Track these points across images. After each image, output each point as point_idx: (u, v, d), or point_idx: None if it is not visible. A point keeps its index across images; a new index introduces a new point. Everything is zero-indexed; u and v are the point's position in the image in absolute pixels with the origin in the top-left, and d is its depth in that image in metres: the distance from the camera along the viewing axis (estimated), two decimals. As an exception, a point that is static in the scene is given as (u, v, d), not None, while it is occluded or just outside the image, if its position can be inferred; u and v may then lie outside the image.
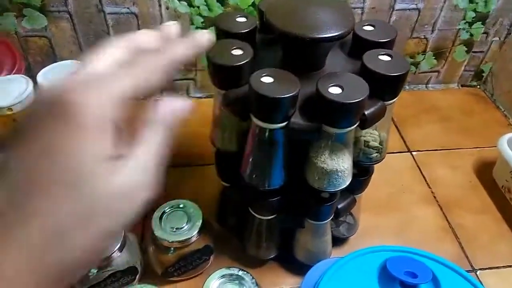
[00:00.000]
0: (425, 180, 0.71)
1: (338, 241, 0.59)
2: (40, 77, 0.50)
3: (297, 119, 0.39)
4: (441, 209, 0.66)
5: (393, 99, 0.42)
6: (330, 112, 0.38)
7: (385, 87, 0.40)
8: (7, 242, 0.19)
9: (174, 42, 0.29)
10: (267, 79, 0.38)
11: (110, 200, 0.22)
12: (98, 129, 0.22)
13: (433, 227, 0.64)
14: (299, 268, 0.56)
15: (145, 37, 0.29)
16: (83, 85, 0.22)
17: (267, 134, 0.40)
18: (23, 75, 0.51)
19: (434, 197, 0.68)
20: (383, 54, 0.41)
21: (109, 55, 0.25)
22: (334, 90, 0.37)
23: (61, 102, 0.21)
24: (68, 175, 0.21)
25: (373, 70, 0.39)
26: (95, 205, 0.21)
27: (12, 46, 0.64)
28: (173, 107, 0.27)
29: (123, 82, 0.24)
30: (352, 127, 0.40)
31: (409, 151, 0.76)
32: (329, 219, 0.50)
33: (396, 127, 0.80)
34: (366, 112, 0.40)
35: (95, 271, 0.48)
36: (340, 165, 0.43)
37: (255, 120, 0.39)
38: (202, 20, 0.74)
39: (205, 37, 0.31)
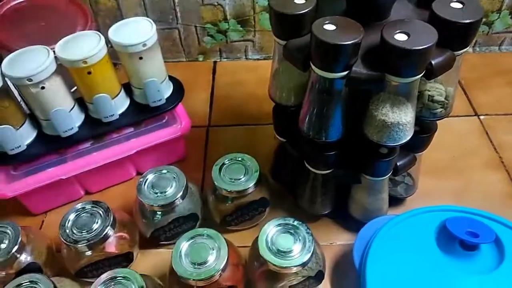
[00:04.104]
0: (492, 145, 0.67)
1: (395, 201, 0.58)
2: (111, 32, 0.53)
3: (359, 68, 0.39)
4: (508, 174, 0.63)
5: (463, 49, 0.40)
6: (394, 60, 0.37)
7: (455, 35, 0.38)
8: None
9: None
10: (330, 27, 0.37)
11: None
12: None
13: (498, 192, 0.61)
14: (353, 225, 0.56)
15: None
16: None
17: (327, 84, 0.40)
18: (95, 31, 0.54)
19: (502, 162, 0.64)
20: (454, 1, 0.39)
21: None
22: (400, 37, 0.36)
23: None
24: None
25: (443, 17, 0.38)
26: None
27: (84, 7, 0.68)
28: None
29: None
30: (417, 77, 0.38)
31: (476, 115, 0.72)
32: (387, 176, 0.50)
33: (463, 90, 0.76)
34: (433, 62, 0.38)
35: (160, 216, 0.52)
36: (402, 118, 0.42)
37: (315, 70, 0.39)
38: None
39: None
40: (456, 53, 0.40)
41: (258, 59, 0.86)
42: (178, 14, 0.78)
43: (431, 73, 0.39)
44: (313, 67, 0.39)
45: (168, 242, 0.55)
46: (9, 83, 0.52)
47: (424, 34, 0.37)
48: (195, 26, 0.81)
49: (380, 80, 0.39)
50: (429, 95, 0.46)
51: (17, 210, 0.59)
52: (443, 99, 0.46)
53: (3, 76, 0.50)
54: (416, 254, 0.47)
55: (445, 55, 0.39)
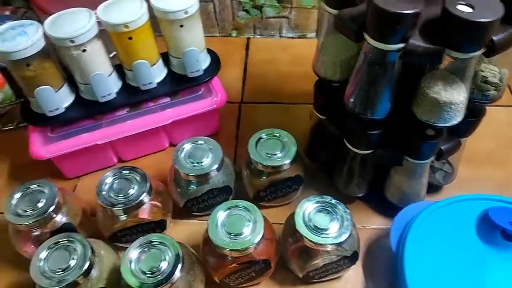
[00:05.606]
0: (536, 137, 0.64)
1: (432, 188, 0.56)
2: (153, -2, 0.53)
3: (416, 41, 0.37)
4: (552, 168, 0.60)
5: (528, 26, 0.38)
6: (456, 33, 0.35)
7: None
8: None
9: None
10: (388, -5, 0.36)
11: None
12: None
13: (541, 186, 0.59)
14: (387, 210, 0.55)
15: None
16: None
17: (380, 57, 0.39)
18: (137, -3, 0.53)
19: (546, 155, 0.62)
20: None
21: None
22: (464, 9, 0.34)
23: None
24: None
25: (510, -11, 0.35)
26: None
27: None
28: None
29: None
30: (477, 53, 0.36)
31: (520, 105, 0.69)
32: (430, 159, 0.48)
33: (507, 78, 0.73)
34: (494, 38, 0.36)
35: (194, 186, 0.51)
36: (454, 97, 0.40)
37: (369, 41, 0.38)
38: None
39: None
40: (519, 30, 0.38)
41: (292, 38, 0.84)
42: (215, -14, 0.77)
43: (491, 50, 0.37)
44: (367, 38, 0.38)
45: (200, 214, 0.55)
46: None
47: (489, 7, 0.35)
48: (231, 0, 0.79)
49: (437, 55, 0.37)
50: (482, 76, 0.44)
51: (50, 174, 0.59)
52: (497, 81, 0.43)
53: (46, 37, 0.49)
54: (455, 241, 0.46)
55: (507, 32, 0.37)
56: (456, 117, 0.42)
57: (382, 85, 0.41)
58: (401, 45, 0.37)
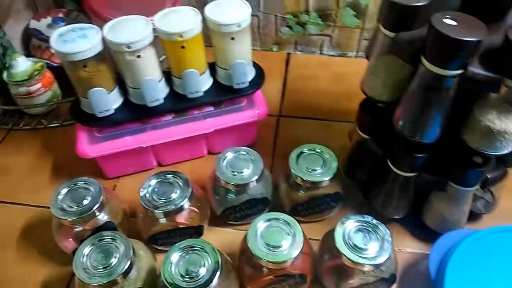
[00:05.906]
0: None
1: (471, 216, 0.55)
2: (208, 10, 0.54)
3: (475, 69, 0.37)
4: None
5: None
6: (519, 62, 0.35)
7: None
8: None
9: None
10: (450, 22, 0.36)
11: None
12: None
13: None
14: (425, 234, 0.54)
15: None
16: None
17: (436, 81, 0.39)
18: (192, 7, 0.55)
19: None
20: None
21: None
22: (528, 39, 0.34)
23: None
24: None
25: None
26: None
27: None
28: None
29: None
30: (538, 84, 0.36)
31: None
32: (475, 187, 0.47)
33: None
34: (557, 69, 0.36)
35: (233, 195, 0.52)
36: (509, 126, 0.39)
37: (427, 65, 0.38)
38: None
39: None
40: None
41: (332, 56, 0.85)
42: (261, 0, 0.78)
43: (552, 82, 0.36)
44: (424, 62, 0.38)
45: (235, 223, 0.55)
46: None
47: (553, 40, 0.34)
48: (275, 16, 0.81)
49: (496, 84, 0.37)
50: (537, 107, 0.43)
51: (91, 172, 0.61)
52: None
53: (103, 41, 0.51)
54: (497, 272, 0.45)
55: None
56: (508, 147, 0.41)
57: (435, 109, 0.41)
58: (459, 71, 0.37)
